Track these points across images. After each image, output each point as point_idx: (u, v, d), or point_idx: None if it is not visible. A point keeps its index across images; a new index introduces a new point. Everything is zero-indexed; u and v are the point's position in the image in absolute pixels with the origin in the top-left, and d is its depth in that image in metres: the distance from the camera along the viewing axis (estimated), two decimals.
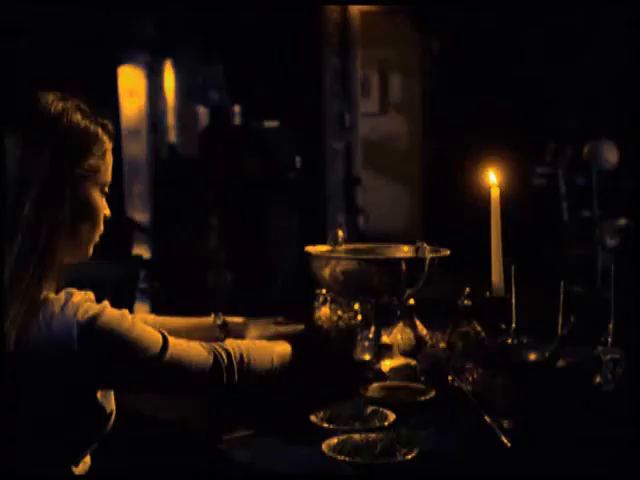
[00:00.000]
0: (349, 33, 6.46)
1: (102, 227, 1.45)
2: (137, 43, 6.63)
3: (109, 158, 1.43)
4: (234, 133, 6.46)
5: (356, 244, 1.98)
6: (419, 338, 2.01)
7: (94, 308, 1.31)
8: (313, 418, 1.52)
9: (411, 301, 2.01)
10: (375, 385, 1.72)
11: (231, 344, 1.49)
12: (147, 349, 1.35)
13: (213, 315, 1.79)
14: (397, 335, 2.01)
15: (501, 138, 5.74)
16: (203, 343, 1.45)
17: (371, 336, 1.86)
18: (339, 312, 2.02)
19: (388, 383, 1.75)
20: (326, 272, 1.79)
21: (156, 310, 5.84)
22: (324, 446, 1.37)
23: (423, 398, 1.66)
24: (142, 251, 6.23)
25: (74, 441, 1.36)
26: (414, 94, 7.24)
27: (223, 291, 5.97)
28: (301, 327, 1.77)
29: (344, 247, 1.93)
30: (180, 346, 1.40)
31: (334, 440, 1.39)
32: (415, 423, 1.53)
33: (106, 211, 1.45)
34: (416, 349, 2.00)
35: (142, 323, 1.39)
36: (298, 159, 6.32)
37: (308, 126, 6.42)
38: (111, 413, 1.40)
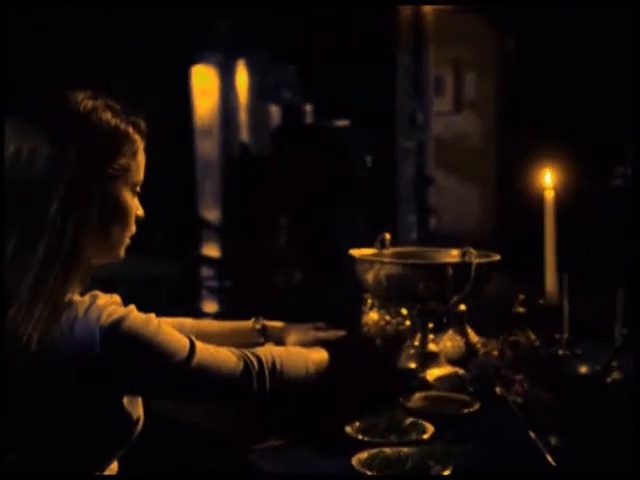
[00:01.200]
0: (422, 31, 6.37)
1: (133, 227, 1.42)
2: (210, 42, 6.67)
3: (141, 157, 1.39)
4: (305, 132, 6.44)
5: (404, 247, 1.92)
6: (470, 346, 1.94)
7: (119, 311, 1.28)
8: (348, 429, 1.47)
9: (462, 307, 1.93)
10: (417, 395, 1.66)
11: (263, 350, 1.44)
12: (173, 354, 1.31)
13: (253, 319, 1.75)
14: (446, 342, 1.94)
15: (578, 137, 5.57)
16: (233, 349, 1.41)
17: (417, 343, 1.80)
18: (387, 317, 1.96)
19: (431, 393, 1.68)
20: (370, 276, 1.74)
21: (225, 309, 5.87)
22: (354, 460, 1.32)
23: (467, 410, 1.59)
24: (212, 250, 6.26)
25: (99, 447, 1.33)
26: (488, 92, 7.09)
27: (291, 290, 5.95)
28: (342, 333, 1.71)
29: (391, 250, 1.87)
30: (208, 351, 1.36)
31: (365, 454, 1.33)
32: (453, 437, 1.46)
33: (139, 211, 1.42)
34: (467, 357, 1.92)
35: (169, 327, 1.35)
36: (369, 158, 6.25)
37: (379, 125, 6.35)
38: (138, 419, 1.36)
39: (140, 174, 1.40)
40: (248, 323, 1.74)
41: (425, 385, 1.73)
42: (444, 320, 1.86)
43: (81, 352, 1.24)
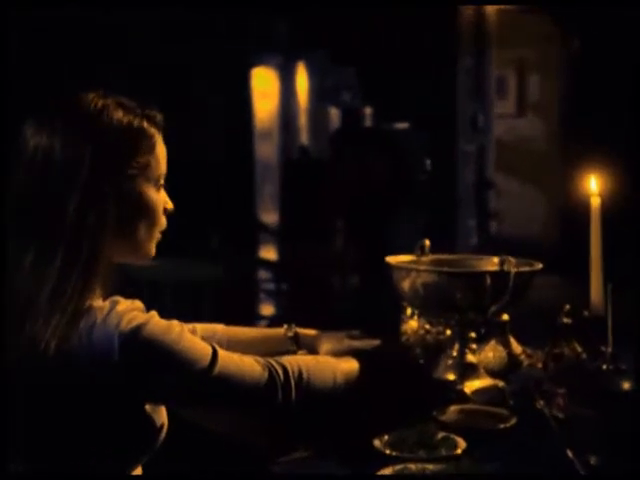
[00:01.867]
0: (484, 32, 6.27)
1: (163, 222, 1.38)
2: (270, 45, 6.67)
3: (160, 150, 1.36)
4: (364, 135, 6.40)
5: (444, 255, 1.86)
6: (513, 357, 1.87)
7: (139, 318, 1.25)
8: (376, 442, 1.42)
9: (504, 317, 1.87)
10: (453, 408, 1.60)
11: (289, 359, 1.40)
12: (194, 362, 1.28)
13: (285, 326, 1.71)
14: (488, 353, 1.88)
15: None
16: (259, 358, 1.37)
17: (455, 354, 1.74)
18: (427, 326, 1.90)
19: (467, 407, 1.62)
20: (406, 284, 1.69)
21: (282, 312, 5.85)
22: (377, 476, 1.27)
23: (502, 425, 1.53)
24: (269, 253, 6.27)
25: (121, 454, 1.31)
26: (553, 95, 6.95)
27: (347, 294, 5.91)
28: (377, 342, 1.66)
29: (430, 258, 1.81)
30: (231, 360, 1.33)
31: (388, 469, 1.29)
32: (485, 454, 1.41)
33: (167, 205, 1.39)
34: (509, 369, 1.86)
35: (191, 335, 1.32)
36: (428, 161, 6.18)
37: (439, 128, 6.27)
38: (162, 427, 1.34)
39: (161, 168, 1.37)
40: (280, 330, 1.71)
41: (462, 398, 1.67)
42: (482, 330, 1.79)
43: (100, 359, 1.21)
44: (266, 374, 1.34)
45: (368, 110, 6.78)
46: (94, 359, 1.21)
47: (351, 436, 1.47)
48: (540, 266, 1.69)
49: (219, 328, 1.68)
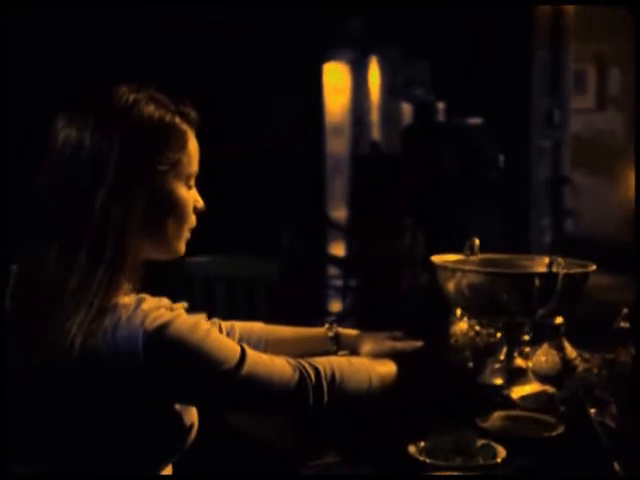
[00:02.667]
0: (561, 25, 6.11)
1: (193, 221, 1.36)
2: (343, 39, 6.63)
3: (192, 147, 1.34)
4: (436, 130, 6.31)
5: (494, 254, 1.79)
6: (567, 362, 1.79)
7: (165, 316, 1.23)
8: (412, 449, 1.37)
9: (559, 319, 1.79)
10: (497, 414, 1.54)
11: (322, 360, 1.36)
12: (221, 362, 1.25)
13: (326, 326, 1.67)
14: (541, 357, 1.80)
15: None
16: (290, 359, 1.34)
17: (502, 358, 1.68)
18: (477, 328, 1.84)
19: (512, 413, 1.56)
20: (451, 285, 1.63)
21: (350, 309, 5.82)
22: None
23: (547, 434, 1.47)
24: (338, 249, 6.23)
25: (147, 454, 1.29)
26: (633, 89, 6.73)
27: (417, 291, 5.84)
28: (419, 344, 1.61)
29: (479, 257, 1.75)
30: (261, 360, 1.30)
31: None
32: (524, 464, 1.34)
33: (198, 203, 1.37)
34: (563, 374, 1.78)
35: (219, 334, 1.30)
36: (501, 157, 6.06)
37: (513, 123, 6.14)
38: (191, 427, 1.31)
39: (193, 165, 1.34)
40: (321, 330, 1.67)
41: (508, 404, 1.61)
42: (530, 334, 1.72)
43: (123, 357, 1.19)
44: (297, 376, 1.31)
45: (440, 105, 6.69)
46: (118, 357, 1.19)
47: (386, 441, 1.42)
48: (593, 268, 1.61)
49: (257, 326, 1.66)
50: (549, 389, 1.66)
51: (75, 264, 1.22)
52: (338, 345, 1.65)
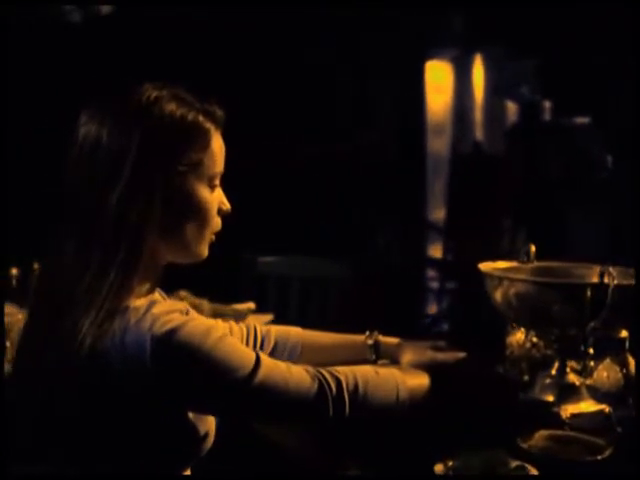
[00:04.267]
0: None
1: (217, 223, 1.32)
2: (446, 37, 6.52)
3: (216, 148, 1.29)
4: (542, 130, 6.11)
5: (551, 262, 1.69)
6: (630, 378, 1.68)
7: (176, 320, 1.20)
8: (438, 467, 1.30)
9: (623, 333, 1.68)
10: (541, 434, 1.44)
11: (345, 370, 1.30)
12: (234, 370, 1.20)
13: (367, 334, 1.61)
14: (602, 373, 1.69)
15: None
16: (309, 368, 1.28)
17: (554, 372, 1.57)
18: (534, 339, 1.74)
19: (559, 433, 1.46)
20: (499, 294, 1.54)
21: (449, 312, 5.71)
22: None
23: (590, 458, 1.36)
24: (436, 250, 6.13)
25: (160, 461, 1.26)
26: None
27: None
28: (462, 355, 1.53)
29: (534, 265, 1.65)
30: (278, 369, 1.24)
31: None
32: None
33: (223, 205, 1.32)
34: (626, 391, 1.67)
35: (233, 340, 1.26)
36: (609, 158, 5.83)
37: (622, 123, 5.89)
38: (206, 435, 1.28)
39: (217, 166, 1.30)
40: (361, 337, 1.61)
41: (557, 423, 1.50)
42: (582, 348, 1.61)
43: (131, 362, 1.17)
44: (315, 386, 1.25)
45: (547, 104, 6.48)
46: (125, 361, 1.17)
47: (412, 458, 1.35)
48: None
49: (294, 332, 1.61)
50: (606, 408, 1.55)
51: (89, 264, 1.20)
52: (378, 354, 1.59)
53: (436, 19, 6.01)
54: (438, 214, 6.24)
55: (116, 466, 1.22)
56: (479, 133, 6.80)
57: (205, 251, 1.32)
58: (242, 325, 1.59)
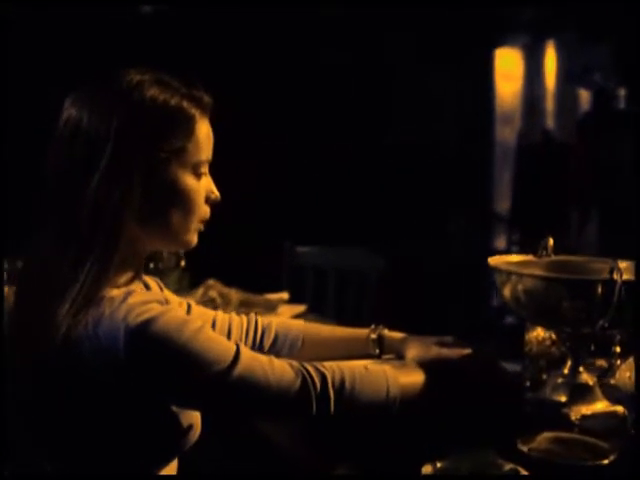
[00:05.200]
0: None
1: (204, 212, 1.29)
2: (516, 24, 6.37)
3: (202, 134, 1.26)
4: (615, 118, 5.91)
5: (569, 256, 1.61)
6: None
7: (151, 311, 1.17)
8: (426, 469, 1.25)
9: None
10: (545, 436, 1.38)
11: (332, 366, 1.26)
12: (211, 363, 1.18)
13: (371, 327, 1.57)
14: (625, 373, 1.62)
15: None
16: (294, 362, 1.25)
17: (566, 372, 1.50)
18: (553, 336, 1.67)
19: (564, 435, 1.39)
20: (507, 290, 1.48)
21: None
22: None
23: (592, 462, 1.29)
24: (501, 242, 6.02)
25: (140, 454, 1.23)
26: None
27: None
28: (467, 351, 1.47)
29: (550, 259, 1.58)
30: (258, 363, 1.21)
31: None
32: None
33: (212, 194, 1.29)
34: None
35: (212, 332, 1.23)
36: None
37: None
38: (189, 429, 1.25)
39: (202, 154, 1.27)
40: (364, 332, 1.57)
41: (566, 424, 1.44)
42: (592, 347, 1.54)
43: (105, 354, 1.15)
44: (298, 381, 1.22)
45: (621, 91, 6.28)
46: (99, 353, 1.15)
47: (404, 457, 1.30)
48: None
49: (296, 325, 1.58)
50: (620, 410, 1.48)
51: (66, 252, 1.19)
52: (382, 348, 1.55)
53: (507, 5, 5.88)
54: (504, 204, 6.11)
55: (97, 458, 1.21)
56: (550, 122, 6.63)
57: (193, 239, 1.30)
58: (243, 317, 1.56)
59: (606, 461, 1.30)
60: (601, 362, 1.63)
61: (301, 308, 2.44)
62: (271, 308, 2.37)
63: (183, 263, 2.45)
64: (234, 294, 2.30)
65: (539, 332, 1.70)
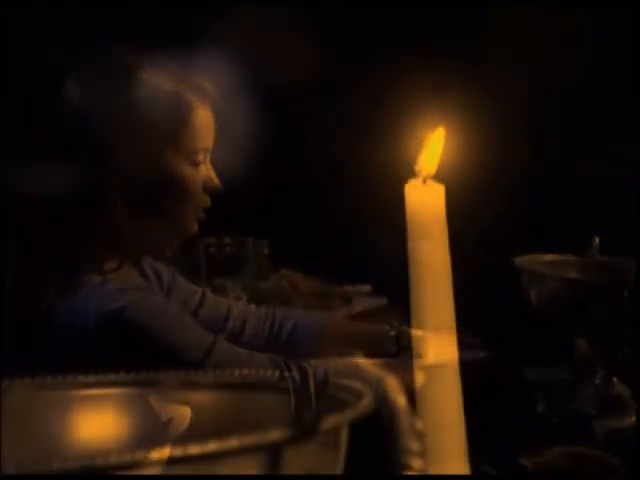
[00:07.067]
0: None
1: (202, 200, 1.25)
2: None
3: (199, 122, 1.22)
4: None
5: (613, 257, 1.48)
6: None
7: (127, 297, 1.15)
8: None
9: None
10: (557, 450, 1.27)
11: (319, 362, 1.21)
12: (182, 353, 1.15)
13: (390, 325, 1.49)
14: None
15: None
16: (276, 357, 1.20)
17: (598, 382, 1.38)
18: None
19: (579, 450, 1.28)
20: (533, 291, 1.38)
21: None
22: None
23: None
24: None
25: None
26: None
27: None
28: (481, 355, 1.38)
29: (590, 260, 1.46)
30: (233, 355, 1.18)
31: None
32: None
33: (211, 182, 1.25)
34: None
35: (191, 322, 1.20)
36: None
37: None
38: (170, 421, 1.24)
39: (200, 141, 1.23)
40: (383, 327, 1.49)
41: (590, 438, 1.33)
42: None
43: (76, 342, 1.15)
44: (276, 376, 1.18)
45: None
46: (71, 342, 1.15)
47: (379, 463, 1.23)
48: None
49: (314, 319, 1.52)
50: None
51: (52, 236, 1.20)
52: (399, 346, 1.47)
53: None
54: None
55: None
56: None
57: (192, 228, 1.28)
58: (263, 308, 1.53)
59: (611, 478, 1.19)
60: None
61: (378, 302, 2.37)
62: (346, 300, 2.32)
63: (266, 251, 2.43)
64: (305, 284, 2.26)
65: None
